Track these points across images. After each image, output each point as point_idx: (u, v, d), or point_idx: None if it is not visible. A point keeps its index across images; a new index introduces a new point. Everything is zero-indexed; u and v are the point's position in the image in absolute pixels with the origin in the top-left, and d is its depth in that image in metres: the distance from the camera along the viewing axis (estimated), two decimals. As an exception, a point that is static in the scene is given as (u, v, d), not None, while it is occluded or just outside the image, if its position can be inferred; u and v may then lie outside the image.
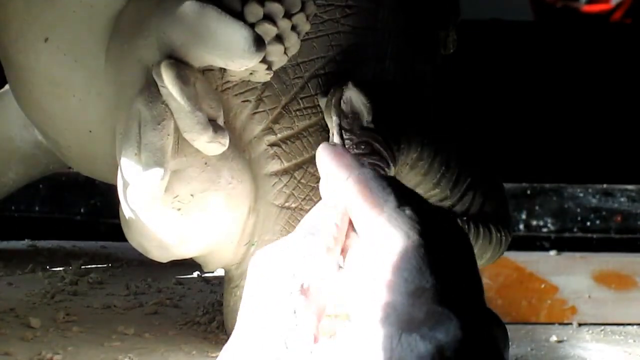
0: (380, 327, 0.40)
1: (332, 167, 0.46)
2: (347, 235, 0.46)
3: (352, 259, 0.45)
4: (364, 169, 0.46)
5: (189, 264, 0.80)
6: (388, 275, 0.41)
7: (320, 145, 0.48)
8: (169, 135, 0.60)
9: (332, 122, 0.66)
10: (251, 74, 0.65)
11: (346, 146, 0.65)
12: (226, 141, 0.62)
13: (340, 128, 0.65)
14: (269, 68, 0.64)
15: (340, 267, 0.45)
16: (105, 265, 0.98)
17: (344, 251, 0.46)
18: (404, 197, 0.44)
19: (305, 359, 0.41)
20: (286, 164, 0.68)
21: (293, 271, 0.43)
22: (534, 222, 1.41)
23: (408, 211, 0.43)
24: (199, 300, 0.85)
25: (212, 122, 0.61)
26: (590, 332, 0.92)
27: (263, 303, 0.43)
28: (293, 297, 0.43)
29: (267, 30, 0.62)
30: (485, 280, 0.45)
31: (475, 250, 0.58)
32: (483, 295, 0.44)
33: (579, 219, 1.41)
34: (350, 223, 0.46)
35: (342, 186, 0.45)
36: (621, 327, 0.95)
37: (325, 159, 0.47)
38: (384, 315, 0.40)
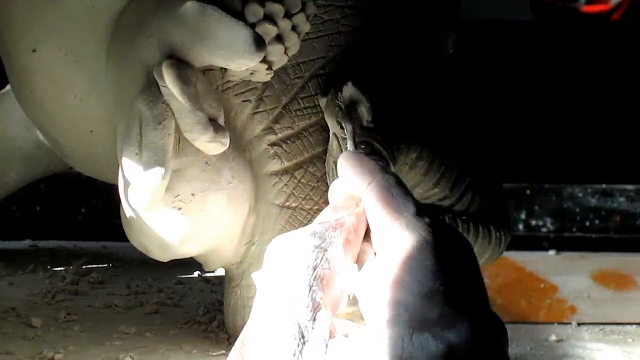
0: (391, 325, 0.41)
1: (354, 172, 0.47)
2: (364, 238, 0.46)
3: (366, 260, 0.46)
4: (387, 175, 0.46)
5: (190, 264, 0.80)
6: (401, 274, 0.42)
7: (342, 153, 0.48)
8: (169, 134, 0.61)
9: (345, 129, 0.65)
10: (252, 73, 0.65)
11: (358, 150, 0.66)
12: (227, 141, 0.62)
13: (354, 134, 0.65)
14: (270, 68, 0.64)
15: (354, 266, 0.46)
16: (106, 265, 0.98)
17: (360, 253, 0.46)
18: (423, 206, 0.45)
19: (322, 353, 0.42)
20: (286, 164, 0.68)
21: (312, 264, 0.44)
22: (534, 222, 1.41)
23: (427, 219, 0.44)
24: (200, 299, 0.85)
25: (213, 122, 0.62)
26: (589, 331, 0.92)
27: (279, 294, 0.43)
28: (312, 290, 0.43)
29: (268, 31, 0.62)
30: (484, 280, 0.45)
31: (475, 250, 0.58)
32: (487, 298, 0.45)
33: (578, 218, 1.41)
34: (367, 228, 0.46)
35: (364, 190, 0.46)
36: (620, 326, 0.95)
37: (348, 165, 0.47)
38: (396, 314, 0.41)
